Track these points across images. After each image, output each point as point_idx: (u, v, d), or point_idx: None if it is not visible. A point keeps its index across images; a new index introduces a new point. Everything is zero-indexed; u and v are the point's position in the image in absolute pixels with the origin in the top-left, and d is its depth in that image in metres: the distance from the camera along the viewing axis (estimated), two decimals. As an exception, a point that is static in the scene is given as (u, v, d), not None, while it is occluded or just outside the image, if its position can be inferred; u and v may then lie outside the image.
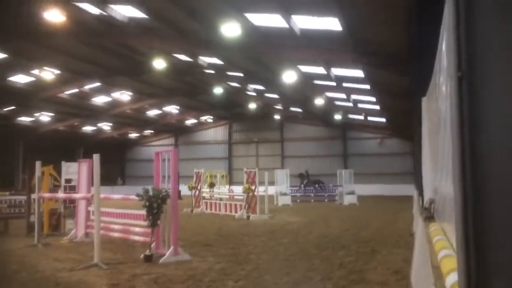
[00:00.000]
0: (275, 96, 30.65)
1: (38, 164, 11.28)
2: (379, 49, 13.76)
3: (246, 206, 17.96)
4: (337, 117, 35.05)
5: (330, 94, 26.26)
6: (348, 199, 26.51)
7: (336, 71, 19.44)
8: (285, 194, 26.98)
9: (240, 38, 15.07)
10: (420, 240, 5.01)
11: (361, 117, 34.68)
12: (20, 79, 24.75)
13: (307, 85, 23.58)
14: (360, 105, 28.38)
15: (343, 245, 10.37)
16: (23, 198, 15.61)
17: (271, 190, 23.61)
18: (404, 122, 27.88)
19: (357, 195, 26.87)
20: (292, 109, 37.13)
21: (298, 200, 28.52)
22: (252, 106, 35.20)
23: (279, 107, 37.13)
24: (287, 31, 14.25)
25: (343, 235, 12.36)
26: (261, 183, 18.44)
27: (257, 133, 44.91)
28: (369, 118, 34.19)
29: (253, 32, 15.02)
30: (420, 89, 6.21)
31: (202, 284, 6.66)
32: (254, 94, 30.41)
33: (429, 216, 4.21)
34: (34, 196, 11.79)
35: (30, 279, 7.09)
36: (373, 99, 23.88)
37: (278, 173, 29.21)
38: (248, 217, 17.40)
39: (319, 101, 27.42)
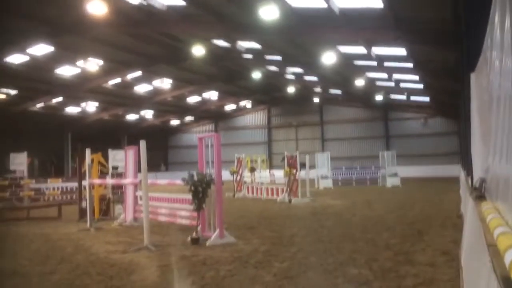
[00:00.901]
0: (314, 78, 30.30)
1: (87, 152, 11.77)
2: (423, 26, 13.29)
3: (288, 189, 18.02)
4: (378, 97, 34.28)
5: (371, 74, 25.68)
6: (391, 182, 26.07)
7: (377, 50, 18.94)
8: (326, 177, 26.84)
9: (278, 21, 14.93)
10: (470, 220, 4.88)
11: (403, 97, 33.73)
12: (66, 71, 25.69)
13: (347, 66, 23.14)
14: (402, 85, 27.59)
15: (387, 227, 10.25)
16: (74, 185, 16.39)
17: (312, 173, 23.55)
18: (449, 101, 26.95)
19: (400, 177, 26.36)
20: (332, 91, 36.61)
21: (340, 183, 28.29)
22: (291, 89, 34.99)
23: (318, 89, 36.69)
24: (325, 11, 13.98)
25: (387, 217, 12.20)
26: (302, 166, 18.43)
27: (296, 116, 44.69)
28: (412, 98, 33.20)
29: (291, 14, 14.85)
30: (468, 65, 5.98)
31: (248, 265, 6.79)
32: (292, 77, 30.19)
33: (480, 196, 4.10)
34: (84, 182, 12.33)
35: (86, 261, 7.47)
36: (416, 77, 23.16)
37: (319, 157, 29.06)
38: (290, 200, 17.47)
39: (359, 82, 26.89)
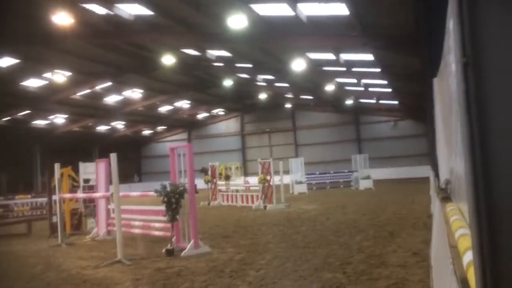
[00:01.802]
0: (285, 85, 30.59)
1: (57, 166, 11.51)
2: (388, 31, 13.66)
3: (263, 196, 18.08)
4: (349, 102, 34.86)
5: (340, 80, 26.11)
6: (364, 184, 26.48)
7: (346, 56, 19.32)
8: (300, 183, 27.05)
9: (246, 30, 15.05)
10: (438, 221, 5.03)
11: (373, 101, 34.43)
12: (32, 83, 25.09)
13: (317, 72, 23.48)
14: (371, 89, 28.18)
15: (360, 230, 10.43)
16: (44, 200, 15.99)
17: (286, 179, 23.70)
18: (416, 104, 27.65)
19: (373, 180, 26.82)
20: (303, 97, 37.01)
21: (314, 188, 28.57)
22: (263, 96, 35.20)
23: (289, 95, 37.04)
24: (293, 19, 14.19)
25: (360, 220, 12.41)
26: (276, 172, 18.53)
27: (269, 123, 44.95)
28: (381, 101, 33.92)
29: (259, 22, 14.99)
30: (431, 70, 6.18)
31: (224, 274, 6.78)
32: (264, 84, 30.39)
33: (446, 197, 4.23)
34: (54, 197, 12.05)
35: (57, 278, 7.30)
36: (385, 82, 23.70)
37: (293, 162, 29.28)
38: (265, 207, 17.52)
39: (329, 88, 27.31)
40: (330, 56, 19.38)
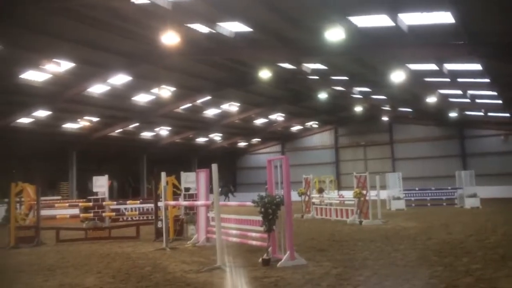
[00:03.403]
0: (383, 97, 29.66)
1: (163, 174, 12.40)
2: (497, 39, 12.69)
3: (358, 211, 17.64)
4: (453, 114, 32.72)
5: (443, 91, 24.69)
6: (470, 202, 24.56)
7: (450, 66, 18.27)
8: (398, 198, 25.88)
9: (344, 42, 14.96)
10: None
11: (481, 113, 31.92)
12: (142, 98, 27.34)
13: (417, 83, 22.47)
14: (478, 101, 26.18)
15: (467, 251, 9.69)
16: (150, 206, 17.25)
17: (383, 194, 22.84)
18: (532, 116, 25.12)
19: (480, 198, 24.77)
20: (401, 109, 35.55)
21: (413, 205, 27.13)
22: (358, 109, 34.46)
23: (387, 108, 35.80)
24: (393, 30, 13.81)
25: (467, 240, 11.53)
26: (372, 187, 17.99)
27: (365, 136, 43.82)
28: (490, 114, 31.32)
29: (357, 34, 14.83)
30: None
31: (320, 288, 6.76)
32: (360, 96, 29.77)
33: None
34: (160, 204, 12.95)
35: (164, 279, 7.83)
36: (494, 93, 21.91)
37: (390, 177, 28.15)
38: (361, 222, 17.06)
39: (431, 99, 25.92)
40: (432, 66, 18.46)
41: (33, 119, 28.10)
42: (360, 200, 17.55)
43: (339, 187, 38.04)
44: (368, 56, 18.52)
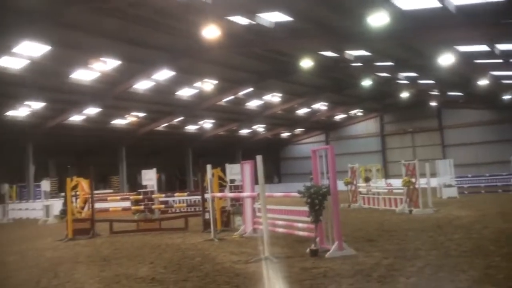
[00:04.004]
0: (430, 81, 28.60)
1: (209, 167, 12.57)
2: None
3: (407, 200, 17.17)
4: (506, 97, 31.07)
5: (495, 73, 23.47)
6: (528, 189, 23.35)
7: (502, 47, 17.31)
8: (450, 186, 24.96)
9: (388, 26, 14.49)
10: None
11: (537, 95, 30.17)
12: (185, 92, 27.82)
13: (467, 65, 21.47)
14: (535, 81, 24.74)
15: (527, 241, 9.22)
16: (197, 198, 17.58)
17: (433, 182, 22.11)
18: None
19: (539, 184, 23.49)
20: (451, 93, 34.15)
21: (466, 192, 26.10)
22: (404, 95, 33.45)
23: (435, 93, 34.51)
24: (440, 11, 13.23)
25: (526, 229, 10.96)
26: (422, 175, 17.43)
27: (412, 122, 42.55)
28: (548, 95, 29.53)
29: (402, 17, 14.32)
30: None
31: (371, 279, 6.63)
32: (406, 82, 28.84)
33: None
34: (207, 195, 13.16)
35: (213, 270, 7.96)
36: (553, 72, 20.62)
37: (440, 164, 27.19)
38: (410, 211, 16.61)
39: (482, 82, 24.73)
40: (483, 47, 17.57)
41: (85, 116, 29.30)
42: (409, 188, 17.07)
43: (386, 176, 37.19)
44: (413, 40, 17.85)
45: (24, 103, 24.49)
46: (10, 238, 15.31)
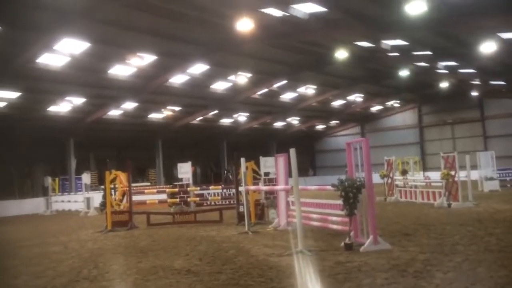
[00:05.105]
0: (471, 70, 27.53)
1: (243, 160, 12.65)
2: None
3: (446, 193, 16.69)
4: (554, 85, 29.57)
5: (542, 60, 22.37)
6: None
7: (550, 32, 16.46)
8: (491, 179, 24.07)
9: (426, 15, 14.05)
10: None
11: None
12: (219, 86, 28.02)
13: (511, 53, 20.53)
14: None
15: None
16: (232, 191, 17.76)
17: (474, 175, 21.38)
18: None
19: None
20: (493, 82, 32.78)
21: (509, 185, 25.10)
22: (444, 84, 32.40)
23: (476, 82, 33.22)
24: (481, -3, 12.71)
25: None
26: (462, 167, 16.88)
27: (452, 113, 41.20)
28: None
29: (441, 5, 13.86)
30: None
31: (407, 274, 6.50)
32: (445, 71, 27.90)
33: None
34: (241, 188, 13.25)
35: (247, 262, 8.03)
36: None
37: (481, 156, 26.24)
38: (449, 205, 16.14)
39: (527, 70, 23.61)
40: (528, 33, 16.76)
41: (122, 111, 30.05)
42: (449, 181, 16.57)
43: (425, 168, 36.27)
44: (452, 27, 17.22)
45: (65, 99, 25.35)
46: (54, 229, 15.98)
